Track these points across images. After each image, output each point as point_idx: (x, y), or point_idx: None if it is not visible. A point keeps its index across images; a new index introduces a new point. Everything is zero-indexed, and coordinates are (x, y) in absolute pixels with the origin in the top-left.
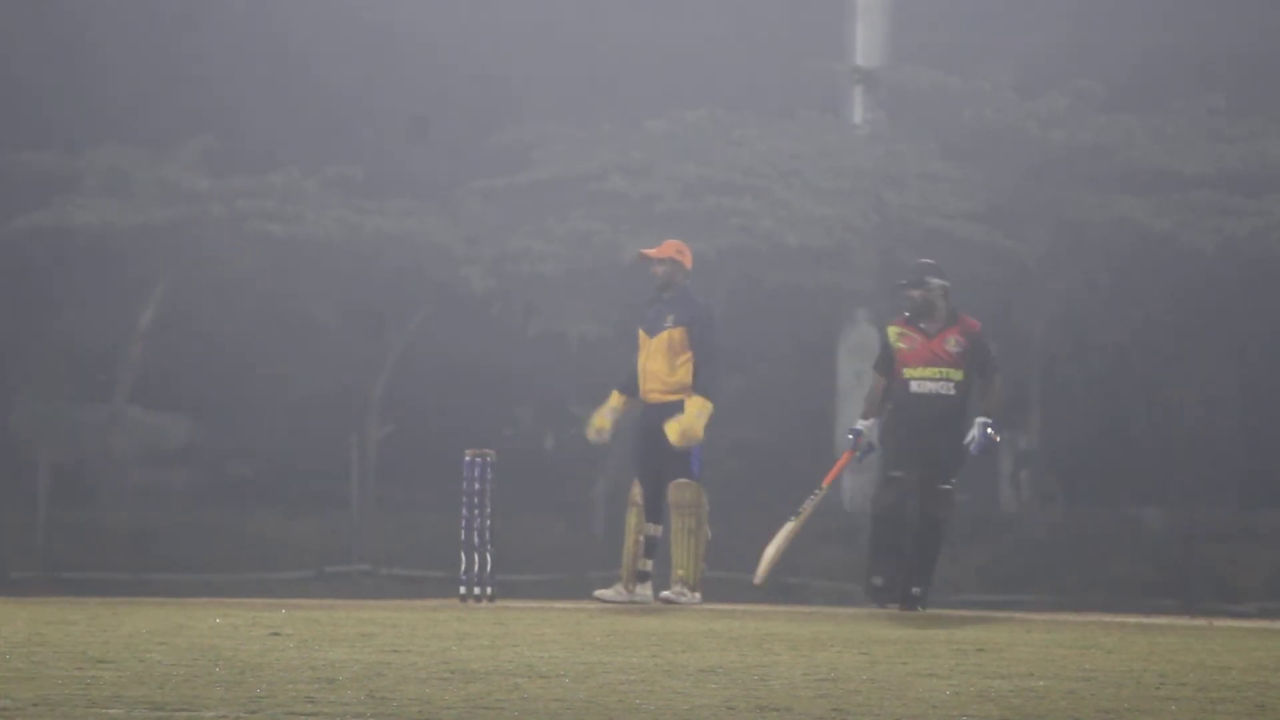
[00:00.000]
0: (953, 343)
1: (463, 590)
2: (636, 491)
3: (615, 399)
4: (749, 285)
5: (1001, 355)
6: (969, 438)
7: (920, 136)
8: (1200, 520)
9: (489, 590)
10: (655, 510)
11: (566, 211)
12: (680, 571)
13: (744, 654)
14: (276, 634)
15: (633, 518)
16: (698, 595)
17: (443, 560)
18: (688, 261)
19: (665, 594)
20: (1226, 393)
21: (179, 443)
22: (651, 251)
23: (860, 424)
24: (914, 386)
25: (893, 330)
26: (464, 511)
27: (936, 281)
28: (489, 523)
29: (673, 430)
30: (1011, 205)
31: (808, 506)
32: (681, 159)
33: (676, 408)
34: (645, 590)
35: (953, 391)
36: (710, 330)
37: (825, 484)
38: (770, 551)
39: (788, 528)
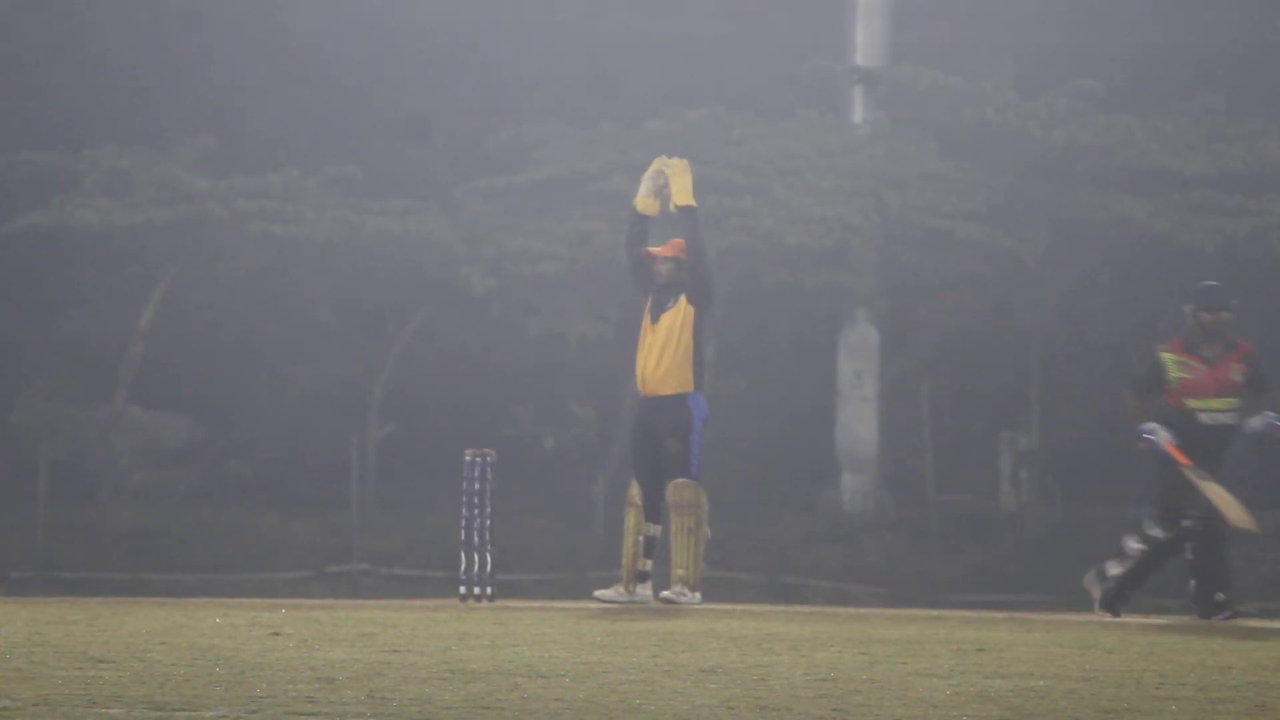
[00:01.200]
0: (1237, 372)
1: (463, 590)
2: (635, 492)
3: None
4: (749, 285)
5: (1004, 355)
6: (1253, 424)
7: (920, 136)
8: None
9: (489, 590)
10: (654, 510)
11: (567, 211)
12: (680, 571)
13: (744, 654)
14: (276, 634)
15: (631, 518)
16: (698, 595)
17: (443, 560)
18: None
19: (665, 594)
20: None
21: (179, 442)
22: (658, 250)
23: (1153, 424)
24: (1204, 419)
25: (1169, 357)
26: (464, 511)
27: (1235, 304)
28: (489, 522)
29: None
30: (1011, 205)
31: (1203, 477)
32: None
33: (675, 401)
34: (645, 590)
35: (1236, 420)
36: (706, 311)
37: (1188, 462)
38: (1227, 496)
39: (1215, 487)
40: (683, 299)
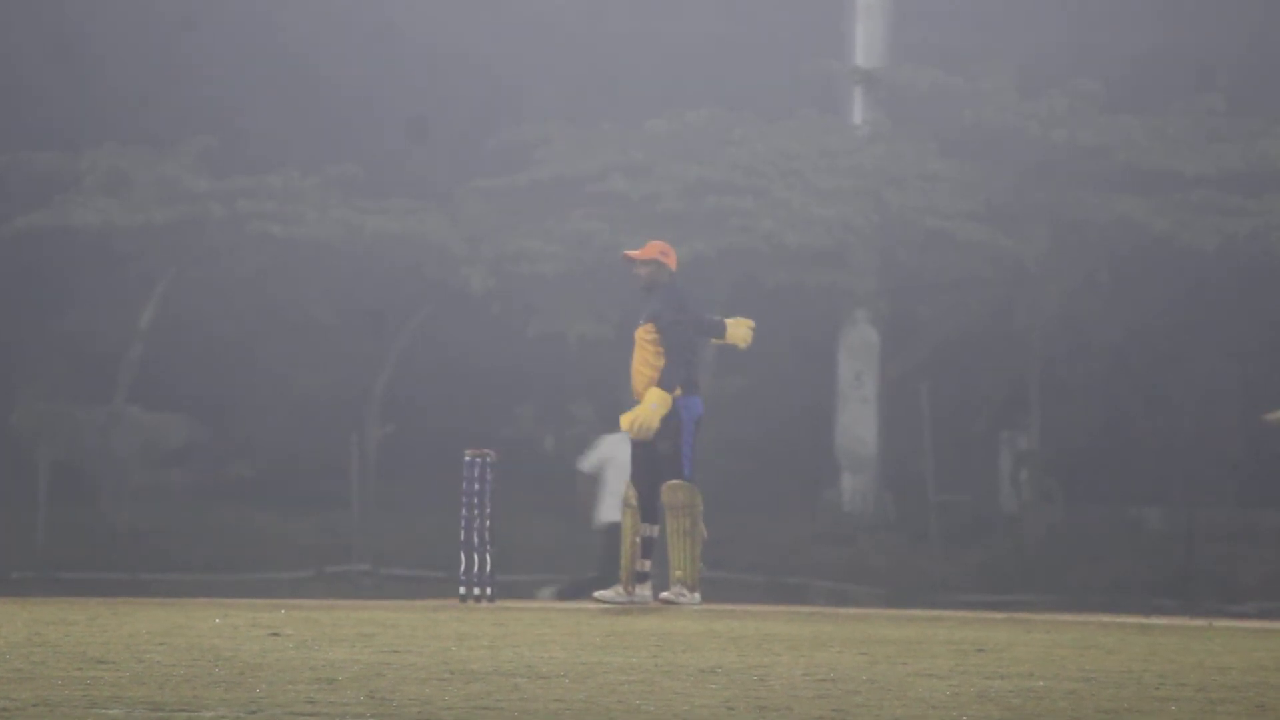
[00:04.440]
0: None
1: (462, 590)
2: (630, 493)
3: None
4: (749, 285)
5: (1004, 356)
6: None
7: (920, 136)
8: (1200, 520)
9: (489, 590)
10: (651, 511)
11: (567, 211)
12: (678, 572)
13: (744, 654)
14: (276, 634)
15: (628, 519)
16: (697, 595)
17: (442, 560)
18: (672, 262)
19: (665, 594)
20: (1227, 392)
21: (179, 442)
22: (635, 253)
23: None
24: None
25: None
26: (464, 511)
27: None
28: (489, 523)
29: (625, 419)
30: (1011, 205)
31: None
32: (682, 159)
33: None
34: (645, 590)
35: None
36: (674, 324)
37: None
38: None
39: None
40: (652, 324)
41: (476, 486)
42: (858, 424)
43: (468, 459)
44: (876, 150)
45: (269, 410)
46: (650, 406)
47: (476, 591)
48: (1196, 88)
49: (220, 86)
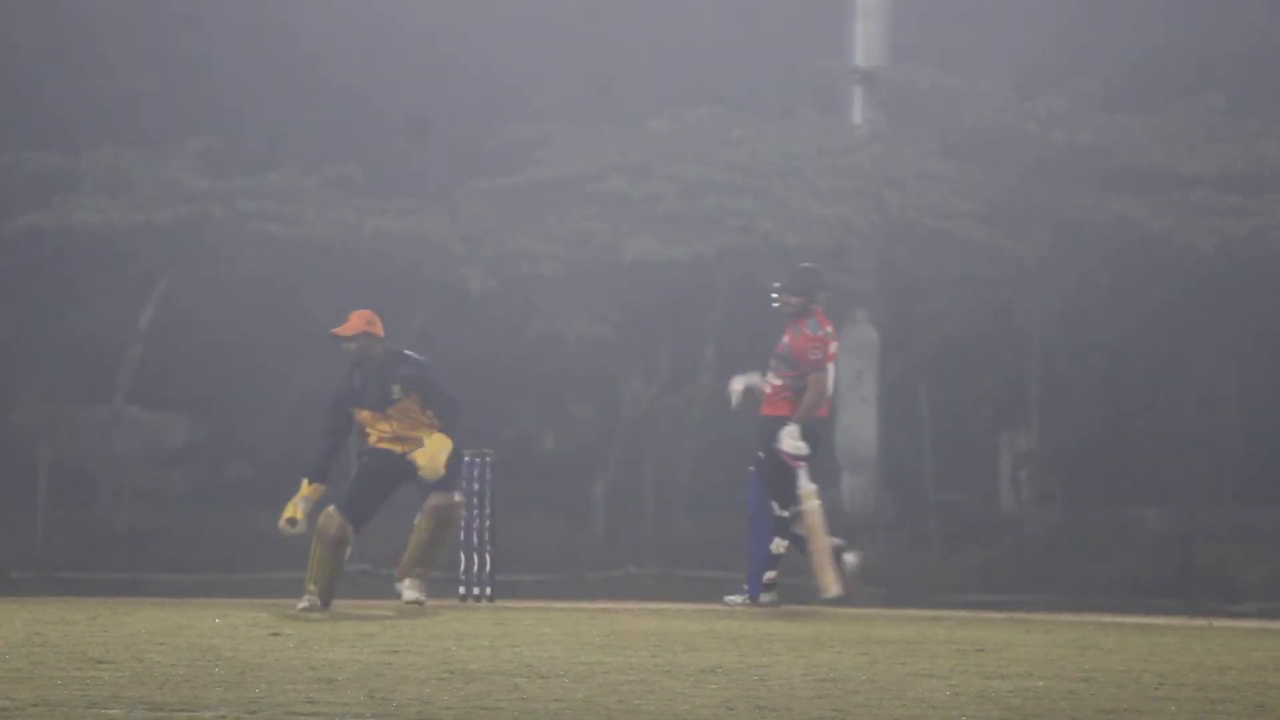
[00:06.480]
0: None
1: (462, 590)
2: (331, 528)
3: (307, 489)
4: (748, 285)
5: (1004, 355)
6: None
7: (920, 136)
8: (1200, 520)
9: (488, 590)
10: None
11: (566, 211)
12: (420, 569)
13: (744, 654)
14: (276, 634)
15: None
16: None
17: (442, 560)
18: (379, 330)
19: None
20: (1226, 392)
21: (179, 442)
22: (340, 330)
23: None
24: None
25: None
26: (463, 512)
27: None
28: (488, 523)
29: (421, 457)
30: (1011, 205)
31: None
32: (681, 159)
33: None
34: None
35: None
36: (436, 384)
37: None
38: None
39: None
40: (412, 397)
41: (476, 486)
42: (858, 424)
43: (467, 459)
44: (876, 150)
45: (269, 410)
46: (437, 448)
47: (476, 591)
48: (1196, 88)
49: (220, 86)
